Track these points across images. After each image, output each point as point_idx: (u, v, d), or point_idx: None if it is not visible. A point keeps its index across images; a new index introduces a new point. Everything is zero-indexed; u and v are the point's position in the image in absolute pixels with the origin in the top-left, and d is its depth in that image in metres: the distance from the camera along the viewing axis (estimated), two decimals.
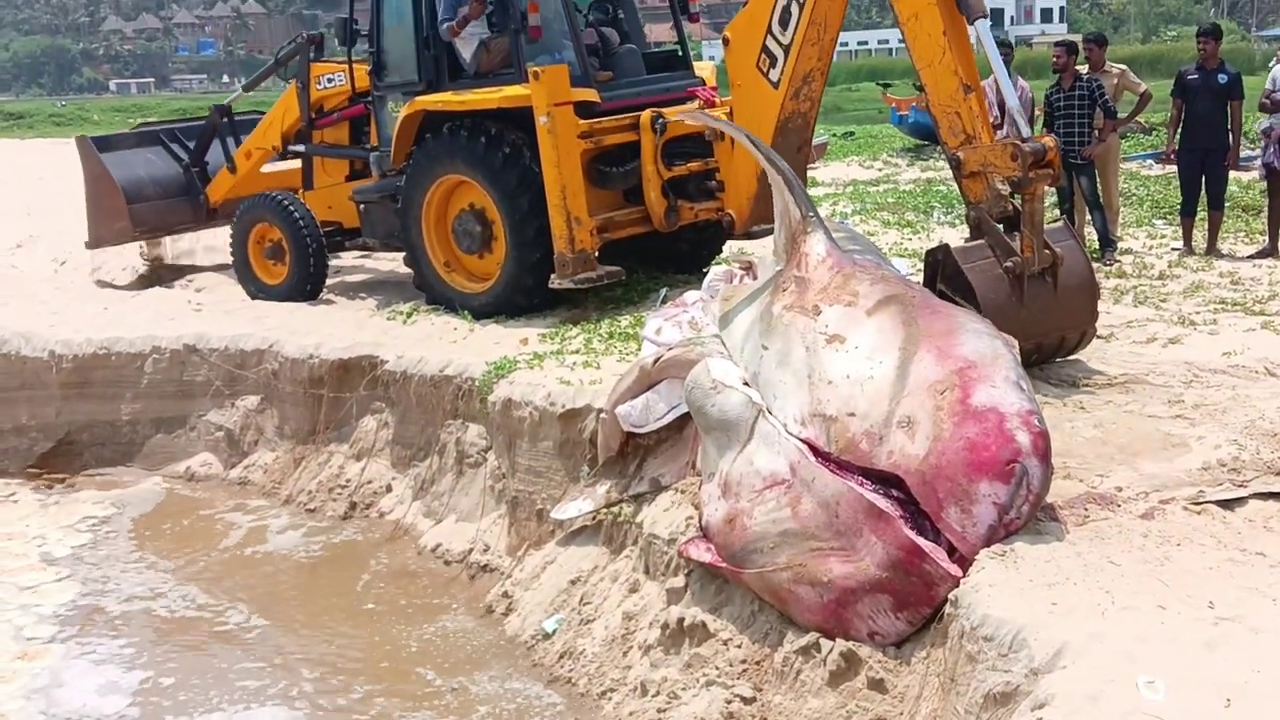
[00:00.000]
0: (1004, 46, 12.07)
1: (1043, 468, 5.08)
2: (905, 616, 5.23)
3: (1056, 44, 11.92)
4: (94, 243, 13.25)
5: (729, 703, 5.57)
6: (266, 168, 12.88)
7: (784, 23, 8.65)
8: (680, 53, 10.98)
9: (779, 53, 8.77)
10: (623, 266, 10.08)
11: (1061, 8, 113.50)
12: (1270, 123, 11.24)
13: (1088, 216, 11.67)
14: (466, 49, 10.28)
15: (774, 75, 8.82)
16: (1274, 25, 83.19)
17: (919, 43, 7.65)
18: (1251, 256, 11.10)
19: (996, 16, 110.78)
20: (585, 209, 9.52)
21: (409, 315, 10.42)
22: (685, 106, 10.06)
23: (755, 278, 7.54)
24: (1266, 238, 11.44)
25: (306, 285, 11.61)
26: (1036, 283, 7.24)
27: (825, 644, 5.38)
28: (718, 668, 5.78)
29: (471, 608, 7.67)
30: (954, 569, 5.04)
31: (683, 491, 6.67)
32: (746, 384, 6.14)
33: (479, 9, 10.03)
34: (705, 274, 10.42)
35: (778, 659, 5.58)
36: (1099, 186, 11.45)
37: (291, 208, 11.57)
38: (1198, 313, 8.95)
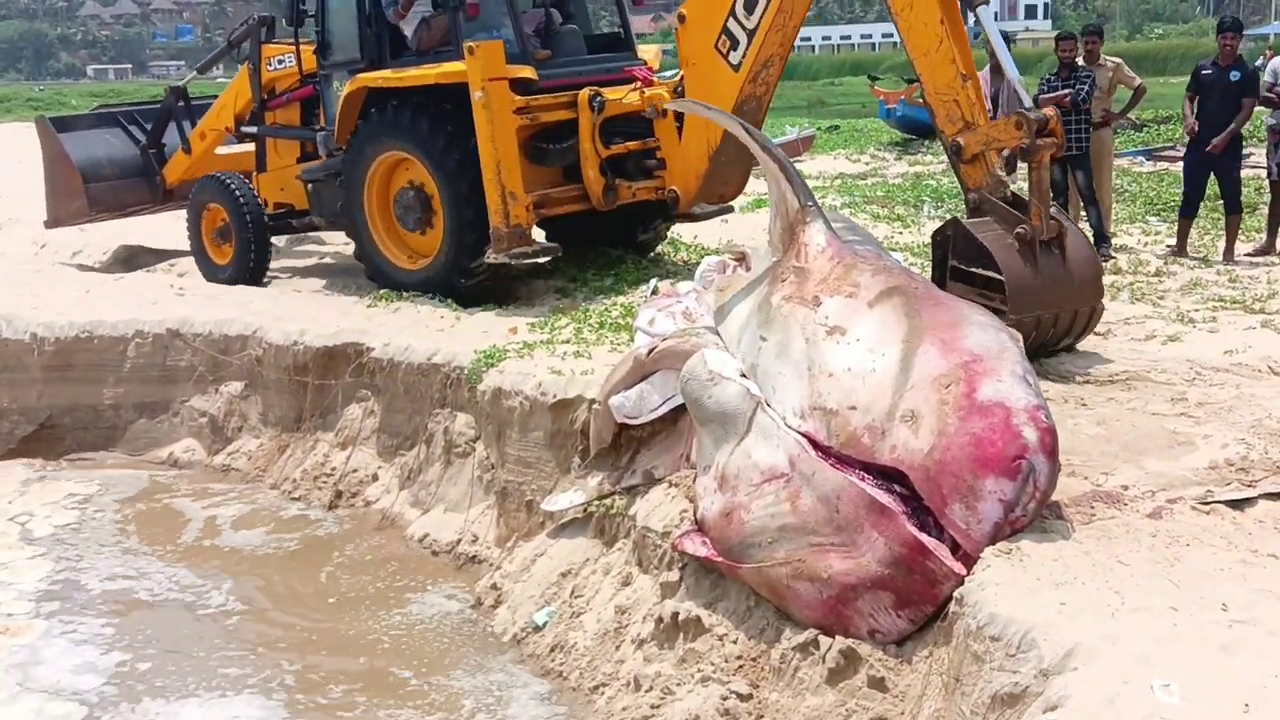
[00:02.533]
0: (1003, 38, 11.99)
1: (1050, 464, 4.97)
2: (907, 614, 5.13)
3: (1062, 37, 11.80)
4: (52, 222, 13.45)
5: (725, 699, 5.45)
6: (225, 150, 12.96)
7: (750, 7, 8.77)
8: (623, 35, 11.08)
9: (742, 36, 8.87)
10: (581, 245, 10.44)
11: (1046, 4, 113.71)
12: (1276, 120, 11.13)
13: (1082, 211, 11.59)
14: (408, 27, 10.37)
15: (734, 58, 8.93)
16: (1261, 24, 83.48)
17: (914, 32, 7.62)
18: (1249, 254, 11.02)
19: None
20: (521, 184, 9.58)
21: (394, 301, 10.27)
22: (625, 87, 10.14)
23: (749, 268, 7.43)
24: (1264, 235, 11.37)
25: (249, 265, 11.70)
26: (1046, 254, 7.23)
27: (824, 641, 5.27)
28: (713, 663, 5.67)
29: (459, 599, 7.54)
30: (958, 566, 4.93)
31: (677, 484, 6.54)
32: (744, 375, 6.02)
33: None
34: (652, 253, 11.01)
35: (775, 655, 5.47)
36: (1094, 181, 11.36)
37: (234, 188, 11.68)
38: (1196, 310, 8.86)
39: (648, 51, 11.15)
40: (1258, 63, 17.26)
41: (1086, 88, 11.11)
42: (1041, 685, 4.16)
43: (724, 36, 8.97)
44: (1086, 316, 7.53)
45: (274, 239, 12.11)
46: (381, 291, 10.56)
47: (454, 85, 9.62)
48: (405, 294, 10.40)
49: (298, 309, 10.40)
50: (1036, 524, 5.02)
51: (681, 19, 9.37)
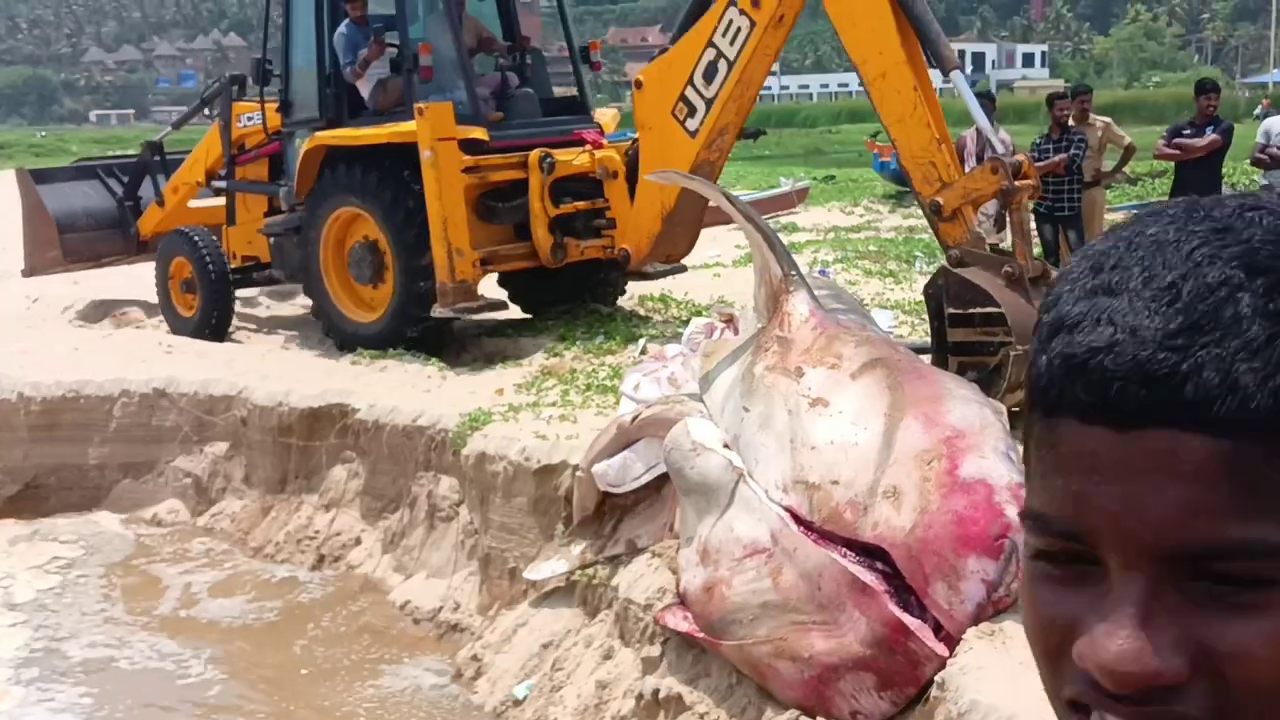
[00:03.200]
0: (985, 97, 12.07)
1: None
2: (889, 696, 5.03)
3: (1056, 96, 11.83)
4: (29, 271, 13.75)
5: None
6: (198, 203, 13.29)
7: (709, 77, 9.05)
8: (579, 98, 11.47)
9: (700, 104, 9.15)
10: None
11: (1043, 53, 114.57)
12: (1268, 179, 11.12)
13: None
14: (366, 88, 10.78)
15: (691, 125, 9.21)
16: (1259, 72, 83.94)
17: (887, 100, 7.81)
18: None
19: (978, 61, 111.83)
20: (467, 240, 9.93)
21: (381, 360, 10.22)
22: (578, 149, 10.53)
23: (736, 331, 7.37)
24: None
25: (212, 319, 12.00)
26: (1036, 290, 7.23)
27: None
28: None
29: (440, 670, 7.42)
30: (940, 648, 4.84)
31: (660, 555, 6.44)
32: (727, 446, 5.95)
33: (377, 51, 10.63)
34: (613, 306, 11.42)
35: None
36: (1085, 241, 11.34)
37: (199, 242, 12.01)
38: None
39: (605, 114, 11.55)
40: (1256, 112, 17.43)
41: (1082, 152, 11.13)
42: None
43: (681, 103, 9.24)
44: None
45: (260, 293, 12.13)
46: (368, 350, 10.52)
47: (406, 144, 9.96)
48: (391, 352, 10.38)
49: (284, 368, 10.36)
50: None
51: (638, 85, 9.67)
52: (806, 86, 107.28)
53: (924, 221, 17.84)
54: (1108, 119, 12.08)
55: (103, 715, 7.03)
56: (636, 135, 10.06)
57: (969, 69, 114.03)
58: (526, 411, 8.29)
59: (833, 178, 26.42)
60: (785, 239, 17.67)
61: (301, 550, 9.02)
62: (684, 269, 11.25)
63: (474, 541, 7.99)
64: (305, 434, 9.30)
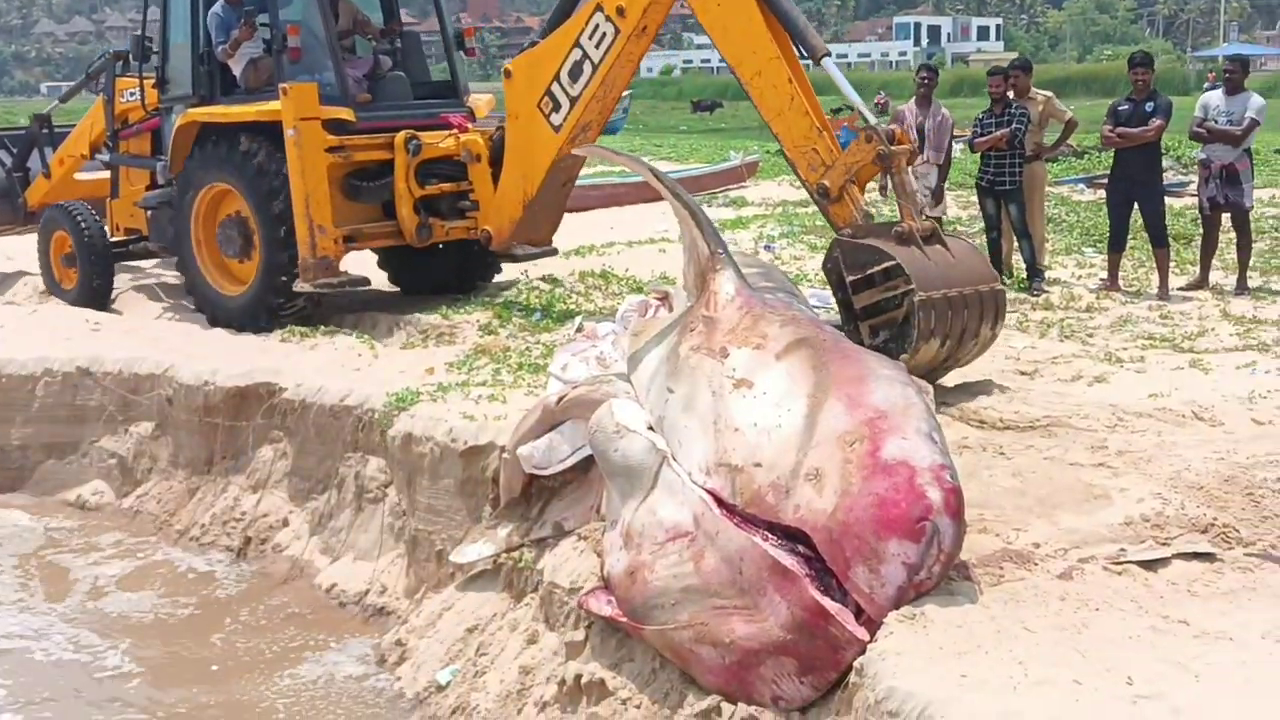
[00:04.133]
0: (930, 71, 11.96)
1: (955, 526, 4.78)
2: (810, 681, 4.91)
3: (991, 72, 11.78)
4: None
5: None
6: (84, 175, 13.55)
7: (574, 76, 9.44)
8: (452, 82, 11.69)
9: (565, 101, 9.55)
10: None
11: (998, 26, 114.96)
12: (1205, 154, 11.07)
13: (1015, 244, 11.52)
14: (238, 66, 11.00)
15: (556, 120, 9.63)
16: (1209, 46, 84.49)
17: (766, 96, 8.09)
18: (1182, 289, 10.94)
19: (934, 34, 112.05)
20: (329, 218, 10.20)
21: (311, 338, 10.03)
22: (449, 131, 10.85)
23: (671, 309, 7.24)
24: (1197, 269, 11.30)
25: (92, 291, 12.30)
26: (929, 246, 7.40)
27: (727, 708, 5.05)
28: None
29: (364, 657, 7.27)
30: (861, 632, 4.73)
31: (586, 537, 6.31)
32: (651, 428, 5.82)
33: (248, 32, 10.81)
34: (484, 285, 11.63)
35: None
36: (1026, 214, 11.28)
37: (79, 216, 12.30)
38: (1125, 349, 8.75)
39: (481, 99, 11.70)
40: (1205, 86, 17.43)
41: (1023, 126, 11.06)
42: None
43: (547, 98, 9.63)
44: (993, 299, 7.52)
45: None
46: (297, 328, 10.36)
47: (272, 123, 10.25)
48: (322, 329, 10.34)
49: (212, 346, 10.14)
50: (943, 586, 4.83)
51: (508, 74, 9.98)
52: None
53: (870, 195, 17.84)
54: (1049, 93, 11.99)
55: (15, 706, 6.81)
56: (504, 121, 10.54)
57: (924, 41, 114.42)
58: (455, 391, 8.12)
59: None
60: (733, 213, 17.62)
61: (228, 533, 8.82)
62: (554, 252, 11.52)
63: (402, 523, 7.83)
64: (231, 414, 9.10)
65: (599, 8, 9.20)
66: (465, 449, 7.36)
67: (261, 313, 10.60)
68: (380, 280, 11.96)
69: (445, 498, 7.46)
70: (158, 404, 9.56)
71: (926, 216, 11.27)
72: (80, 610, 7.98)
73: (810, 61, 8.32)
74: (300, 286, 10.26)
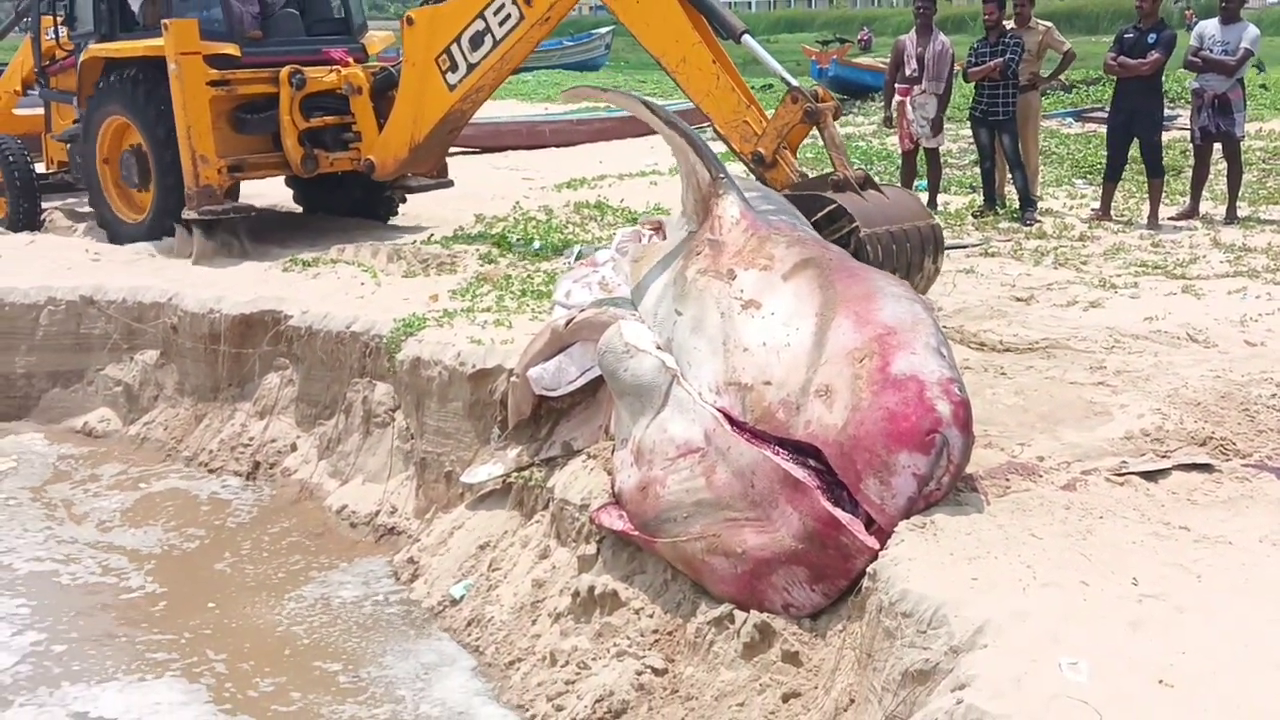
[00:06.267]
0: (926, 0, 11.98)
1: (963, 438, 4.93)
2: (821, 589, 5.08)
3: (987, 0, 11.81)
4: None
5: (640, 674, 5.40)
6: (21, 110, 14.02)
7: (475, 44, 9.78)
8: (344, 19, 12.06)
9: (462, 64, 9.90)
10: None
11: None
12: (1199, 83, 11.15)
13: (1009, 175, 11.61)
14: (136, 2, 11.38)
15: (452, 79, 9.98)
16: None
17: (693, 79, 8.48)
18: (1173, 219, 11.07)
19: None
20: (212, 149, 10.63)
21: (314, 267, 10.10)
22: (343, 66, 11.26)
23: (664, 238, 7.33)
24: (1188, 199, 11.43)
25: (19, 218, 12.76)
26: (864, 190, 7.67)
27: (739, 615, 5.21)
28: (629, 638, 5.60)
29: (377, 574, 7.41)
30: (871, 541, 4.88)
31: (595, 456, 6.45)
32: (660, 348, 5.93)
33: None
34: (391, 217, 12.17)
35: (690, 630, 5.41)
36: (1020, 145, 11.37)
37: (6, 150, 12.76)
38: (1119, 276, 8.89)
39: (375, 36, 12.24)
40: (1186, 25, 17.41)
41: (1017, 56, 11.11)
42: (951, 663, 4.12)
43: (446, 56, 9.95)
44: (931, 233, 7.75)
45: None
46: (301, 256, 10.43)
47: (161, 58, 10.60)
48: (323, 259, 10.40)
49: (215, 275, 10.19)
50: (951, 498, 4.98)
51: (409, 21, 10.20)
52: None
53: (859, 130, 17.93)
54: (1048, 24, 12.05)
55: (41, 625, 6.91)
56: (390, 61, 11.37)
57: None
58: (461, 317, 8.23)
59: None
60: (716, 150, 17.55)
61: (236, 458, 8.93)
62: (450, 183, 12.02)
63: (410, 446, 7.95)
64: (237, 341, 9.18)
65: None
66: (473, 372, 7.46)
67: (158, 235, 11.21)
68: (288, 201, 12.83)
69: (454, 420, 7.57)
70: (163, 332, 9.63)
71: (925, 148, 11.45)
72: (100, 535, 8.08)
73: (732, 40, 8.72)
74: (186, 214, 10.73)
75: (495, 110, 20.96)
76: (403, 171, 11.09)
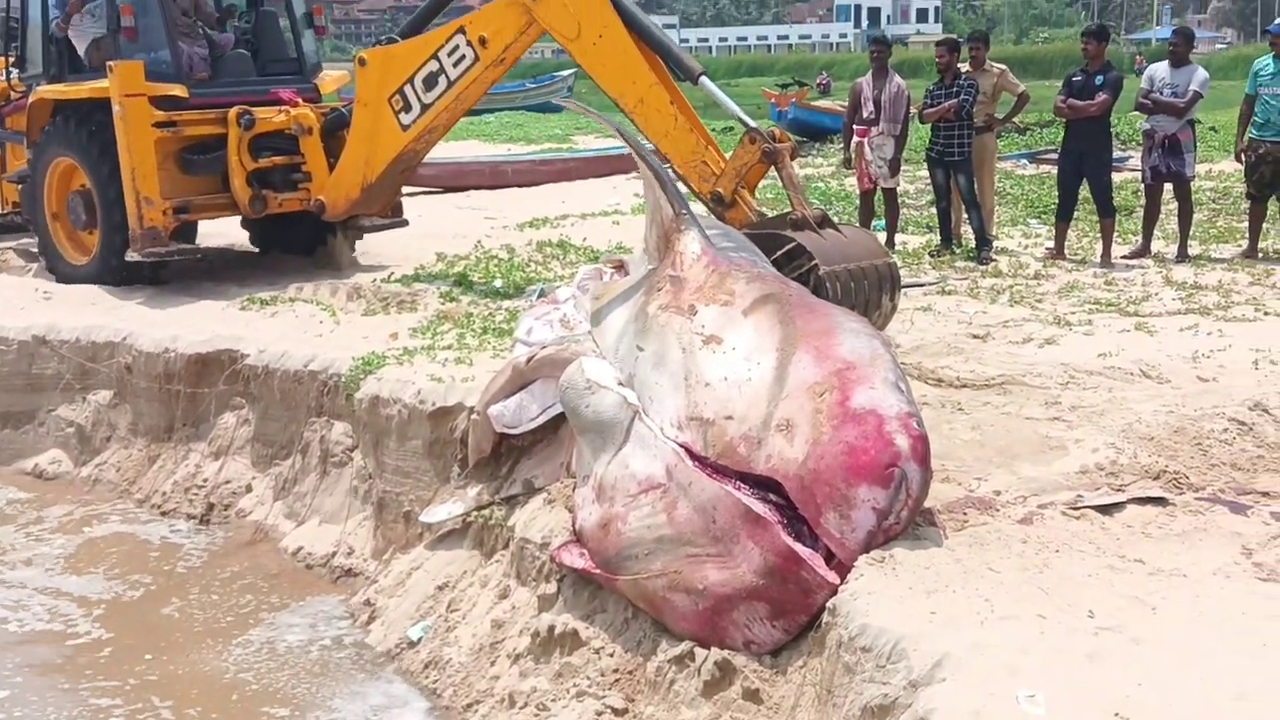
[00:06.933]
0: (880, 44, 12.16)
1: (922, 471, 4.95)
2: (782, 624, 5.07)
3: (939, 43, 12.00)
4: None
5: (600, 714, 5.37)
6: None
7: (429, 85, 9.80)
8: (298, 60, 12.05)
9: (416, 105, 9.93)
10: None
11: (937, 8, 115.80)
12: (1149, 124, 11.32)
13: (965, 214, 11.73)
14: (82, 45, 11.37)
15: (405, 119, 10.01)
16: (1143, 28, 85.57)
17: (651, 120, 8.59)
18: (1125, 257, 11.21)
19: (874, 15, 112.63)
20: (156, 190, 10.60)
21: (271, 305, 10.05)
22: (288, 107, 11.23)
23: (627, 276, 7.34)
24: (1140, 238, 11.58)
25: None
26: (823, 230, 7.75)
27: (700, 653, 5.19)
28: (589, 677, 5.57)
29: (333, 617, 7.33)
30: (832, 576, 4.88)
31: (556, 494, 6.43)
32: (622, 384, 5.93)
33: (77, 4, 11.26)
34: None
35: (651, 668, 5.39)
36: (975, 185, 11.49)
37: None
38: (1073, 313, 8.98)
39: (329, 75, 12.17)
40: (1136, 68, 17.76)
41: (971, 97, 11.26)
42: (910, 697, 4.12)
43: (399, 96, 9.96)
44: (888, 271, 7.84)
45: None
46: (259, 295, 10.39)
47: (107, 100, 10.57)
48: (281, 298, 10.34)
49: (170, 314, 10.12)
50: (910, 532, 4.99)
51: (362, 62, 10.25)
52: (706, 40, 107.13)
53: (818, 171, 18.05)
54: (1003, 66, 12.22)
55: None
56: (342, 102, 11.36)
57: (865, 23, 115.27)
58: (422, 355, 8.20)
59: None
60: (684, 187, 17.68)
61: (190, 499, 8.84)
62: (405, 223, 12.01)
63: (368, 486, 7.90)
64: (192, 380, 9.12)
65: (462, 30, 9.56)
66: (433, 410, 7.44)
67: (104, 278, 11.11)
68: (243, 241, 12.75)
69: (413, 459, 7.53)
70: (117, 371, 9.54)
71: (883, 189, 11.55)
72: (46, 581, 7.95)
73: (690, 82, 8.87)
74: (131, 256, 10.70)
75: (458, 150, 20.99)
76: (354, 212, 11.07)
